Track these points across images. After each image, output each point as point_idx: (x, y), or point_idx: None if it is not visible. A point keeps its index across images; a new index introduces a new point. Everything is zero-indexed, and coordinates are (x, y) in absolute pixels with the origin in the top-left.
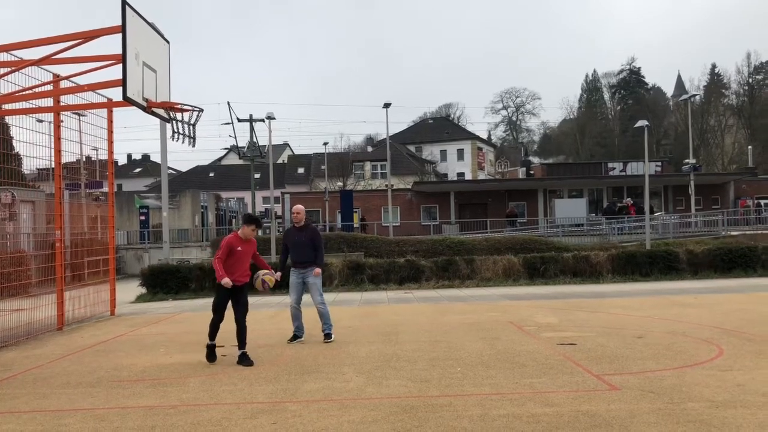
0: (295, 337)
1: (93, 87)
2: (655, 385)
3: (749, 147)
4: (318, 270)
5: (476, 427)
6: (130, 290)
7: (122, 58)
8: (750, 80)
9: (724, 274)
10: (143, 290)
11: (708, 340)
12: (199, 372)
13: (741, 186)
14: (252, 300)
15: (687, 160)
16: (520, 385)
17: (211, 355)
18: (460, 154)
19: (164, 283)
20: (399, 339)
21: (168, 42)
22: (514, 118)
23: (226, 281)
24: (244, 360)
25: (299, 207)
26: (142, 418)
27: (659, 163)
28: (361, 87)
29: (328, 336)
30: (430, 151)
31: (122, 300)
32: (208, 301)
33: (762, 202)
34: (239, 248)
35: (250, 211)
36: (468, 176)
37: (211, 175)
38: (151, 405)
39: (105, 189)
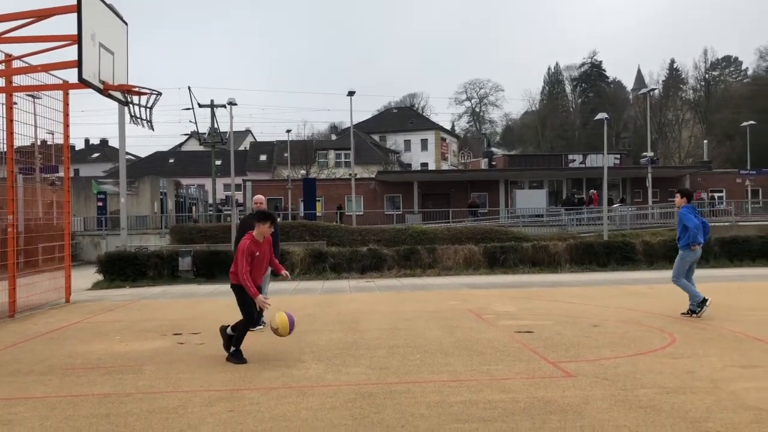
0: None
1: (47, 68)
2: (609, 372)
3: (705, 141)
4: (279, 266)
5: (433, 413)
6: (86, 277)
7: (78, 39)
8: (707, 76)
9: None
10: (100, 277)
11: (661, 328)
12: (155, 359)
13: (696, 179)
14: (211, 288)
15: (645, 153)
16: (477, 372)
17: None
18: (424, 144)
19: (121, 270)
20: (360, 327)
21: (126, 23)
22: (477, 110)
23: (261, 300)
24: (238, 357)
25: (261, 197)
26: (95, 406)
27: (618, 156)
28: (325, 74)
29: (263, 322)
30: (394, 141)
31: (78, 287)
32: (167, 289)
33: (716, 195)
34: (257, 253)
35: (210, 198)
36: (431, 166)
37: (171, 161)
38: (106, 393)
39: (61, 174)
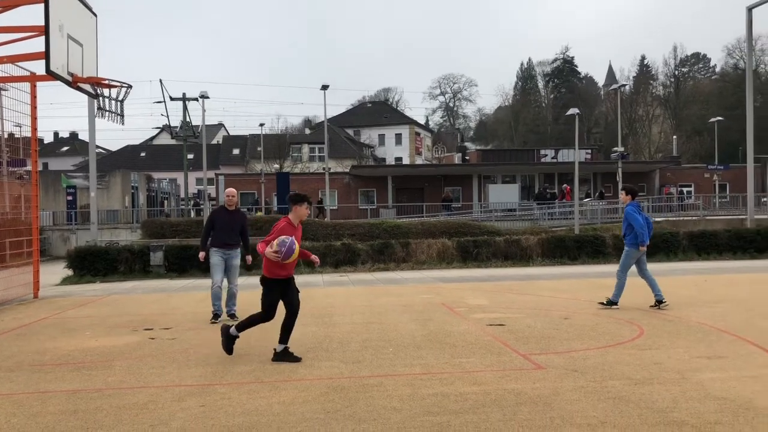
0: (217, 316)
1: (13, 59)
2: (579, 364)
3: (674, 137)
4: (250, 258)
5: (405, 406)
6: (55, 273)
7: (45, 30)
8: (676, 72)
9: (648, 259)
10: (69, 272)
11: (630, 321)
12: (126, 355)
13: (666, 174)
14: (183, 283)
15: (615, 148)
16: (449, 365)
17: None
18: (398, 138)
19: (92, 265)
20: (332, 321)
21: (96, 15)
22: (451, 104)
23: (285, 238)
24: (287, 356)
25: (233, 190)
26: (63, 403)
27: (589, 151)
28: (299, 68)
29: (234, 315)
30: (369, 135)
31: (47, 282)
32: (138, 284)
33: (684, 189)
34: (292, 236)
35: (182, 192)
36: (406, 161)
37: (143, 154)
38: (75, 389)
39: (29, 167)
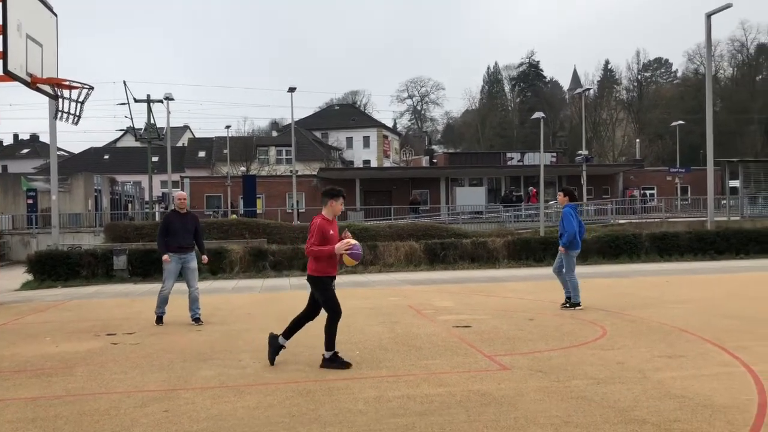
0: (160, 319)
1: None
2: (543, 365)
3: (637, 140)
4: (205, 258)
5: (371, 409)
6: (15, 278)
7: (2, 29)
8: (639, 77)
9: (612, 260)
10: (30, 277)
11: (593, 321)
12: (87, 361)
13: (629, 177)
14: (147, 287)
15: (580, 152)
16: (416, 367)
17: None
18: (366, 141)
19: (53, 269)
20: None
21: (56, 15)
22: (419, 108)
23: (344, 244)
24: (337, 361)
25: (183, 194)
26: (22, 410)
27: (554, 154)
28: (265, 70)
29: (198, 320)
30: (336, 138)
31: (6, 287)
32: (101, 289)
33: (647, 192)
34: (331, 231)
35: (147, 195)
36: (374, 164)
37: (106, 157)
38: (34, 396)
39: None
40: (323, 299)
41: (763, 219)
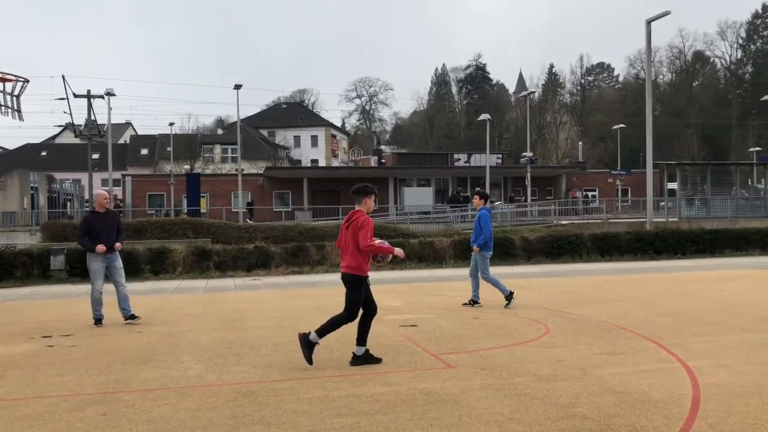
0: (99, 321)
1: None
2: (488, 363)
3: (580, 143)
4: (119, 245)
5: (315, 409)
6: None
7: None
8: (582, 81)
9: (555, 260)
10: None
11: (537, 319)
12: (20, 364)
13: (572, 179)
14: (86, 288)
15: (525, 154)
16: (361, 367)
17: (373, 358)
18: (314, 140)
19: None
20: (243, 326)
21: None
22: (367, 107)
23: (400, 252)
24: (369, 359)
25: (105, 192)
26: None
27: (500, 156)
28: (211, 67)
29: (133, 316)
30: (284, 137)
31: None
32: (37, 290)
33: (589, 193)
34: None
35: (86, 193)
36: (322, 163)
37: (44, 154)
38: None
39: None
40: (353, 299)
41: (699, 220)
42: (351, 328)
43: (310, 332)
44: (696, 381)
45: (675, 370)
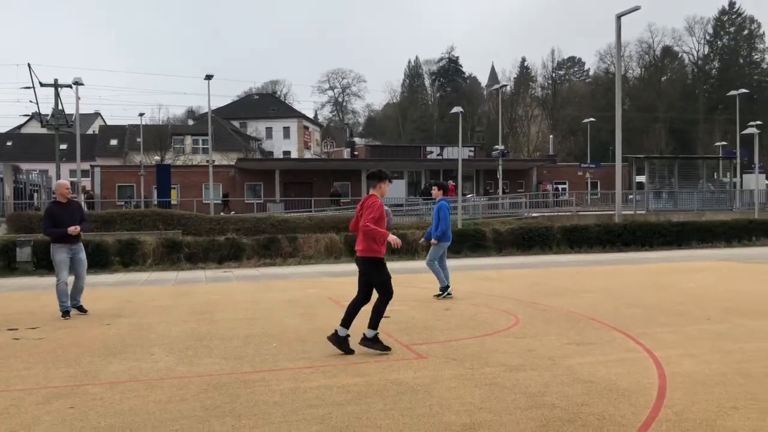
0: (67, 313)
1: None
2: (458, 353)
3: (551, 136)
4: (77, 228)
5: (287, 400)
6: None
7: None
8: (553, 75)
9: (525, 252)
10: None
11: (507, 310)
12: None
13: (543, 171)
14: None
15: (497, 147)
16: (333, 358)
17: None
18: (287, 132)
19: None
20: (214, 318)
21: None
22: (340, 99)
23: (394, 238)
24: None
25: (66, 182)
26: None
27: (472, 149)
28: (181, 57)
29: (82, 308)
30: (255, 128)
31: None
32: (2, 282)
33: (559, 186)
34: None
35: (53, 183)
36: (294, 155)
37: (9, 143)
38: None
39: None
40: (380, 280)
41: (666, 213)
42: (326, 321)
43: (365, 331)
44: (662, 370)
45: (642, 359)
